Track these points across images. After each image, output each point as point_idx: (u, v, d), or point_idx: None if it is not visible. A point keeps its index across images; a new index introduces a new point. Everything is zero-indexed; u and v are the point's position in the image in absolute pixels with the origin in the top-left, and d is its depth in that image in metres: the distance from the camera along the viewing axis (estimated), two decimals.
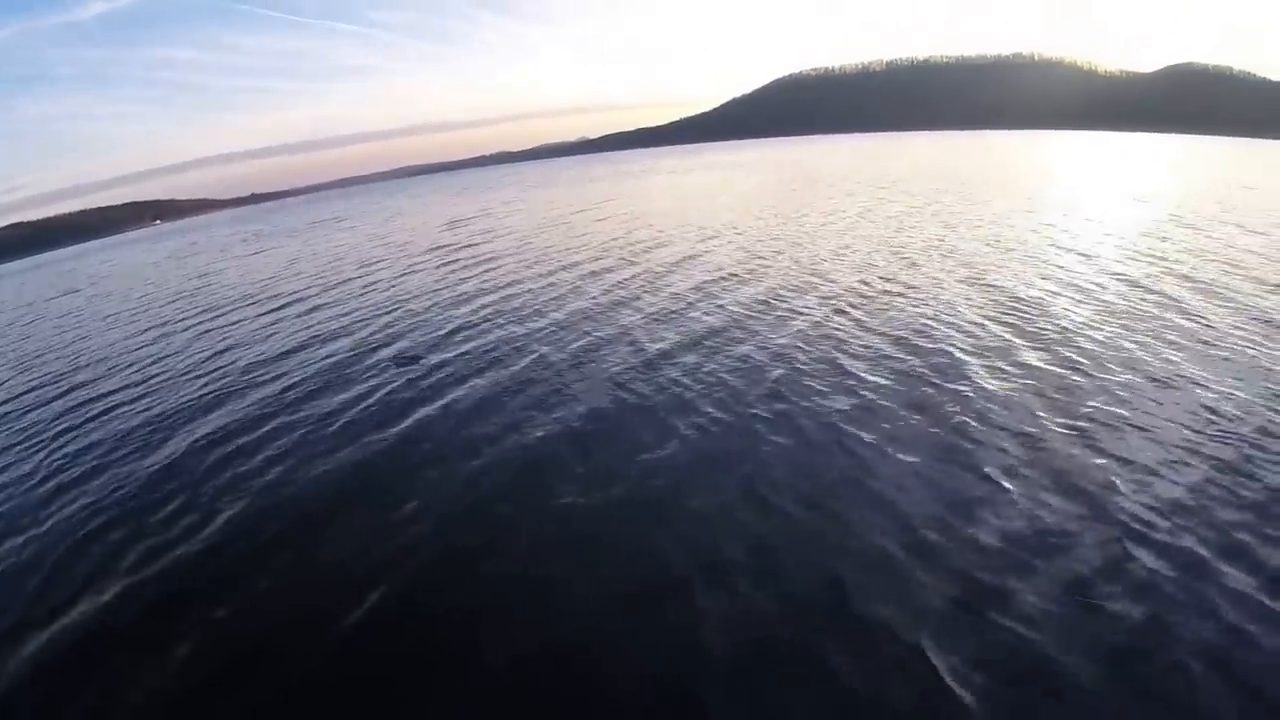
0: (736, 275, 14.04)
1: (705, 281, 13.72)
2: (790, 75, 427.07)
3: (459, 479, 6.54)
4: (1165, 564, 4.48)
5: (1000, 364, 8.01)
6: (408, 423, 7.99)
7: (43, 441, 9.16)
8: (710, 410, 7.45)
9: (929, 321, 9.79)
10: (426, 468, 6.84)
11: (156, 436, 8.63)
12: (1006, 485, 5.51)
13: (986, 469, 5.77)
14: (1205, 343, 8.34)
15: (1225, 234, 15.45)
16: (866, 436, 6.52)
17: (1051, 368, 7.78)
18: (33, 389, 12.32)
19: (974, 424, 6.58)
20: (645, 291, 13.40)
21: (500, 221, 31.23)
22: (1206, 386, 7.08)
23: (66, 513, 6.88)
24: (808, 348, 9.10)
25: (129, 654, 4.70)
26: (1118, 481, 5.44)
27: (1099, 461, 5.77)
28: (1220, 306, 9.77)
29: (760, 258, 15.79)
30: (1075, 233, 16.24)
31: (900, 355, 8.54)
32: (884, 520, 5.21)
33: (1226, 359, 7.80)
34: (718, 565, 4.88)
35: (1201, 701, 3.51)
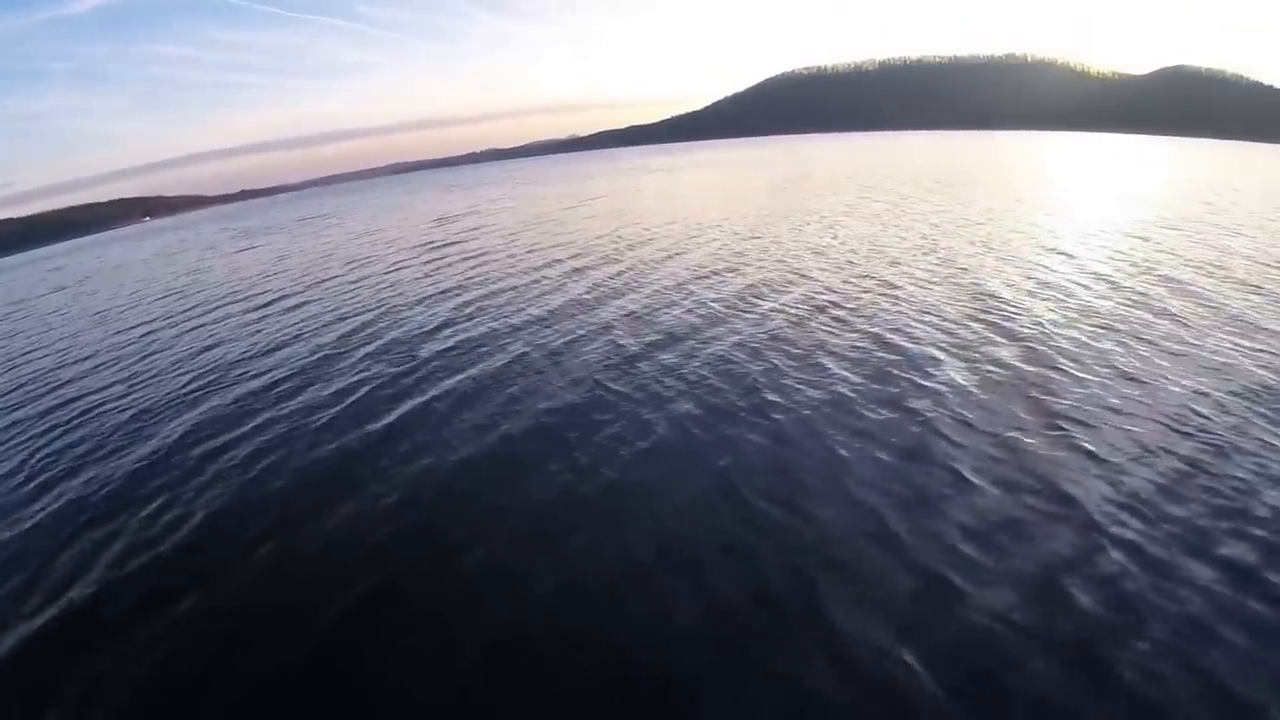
0: (718, 273, 14.13)
1: (687, 279, 13.80)
2: (783, 74, 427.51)
3: (439, 473, 6.61)
4: (1132, 560, 4.55)
5: (977, 362, 8.12)
6: (389, 418, 8.03)
7: (28, 438, 9.16)
8: (687, 406, 7.53)
9: (907, 319, 9.90)
10: (407, 462, 6.89)
11: (142, 432, 8.65)
12: (976, 481, 5.59)
13: (957, 465, 5.85)
14: (1183, 342, 8.47)
15: (1209, 235, 15.67)
16: (840, 432, 6.61)
17: (1028, 366, 7.88)
18: (19, 386, 12.29)
19: (948, 421, 6.67)
20: (628, 289, 13.47)
21: (489, 218, 31.22)
22: (1181, 385, 7.20)
23: (52, 508, 6.90)
24: (786, 345, 9.19)
25: (115, 646, 4.73)
26: (1087, 478, 5.53)
27: (1070, 458, 5.85)
28: (1199, 306, 9.95)
29: (743, 255, 15.88)
30: (1060, 233, 16.39)
31: (878, 352, 8.64)
32: (854, 515, 5.29)
33: (1203, 358, 7.92)
34: (688, 558, 4.97)
35: (1162, 694, 3.57)
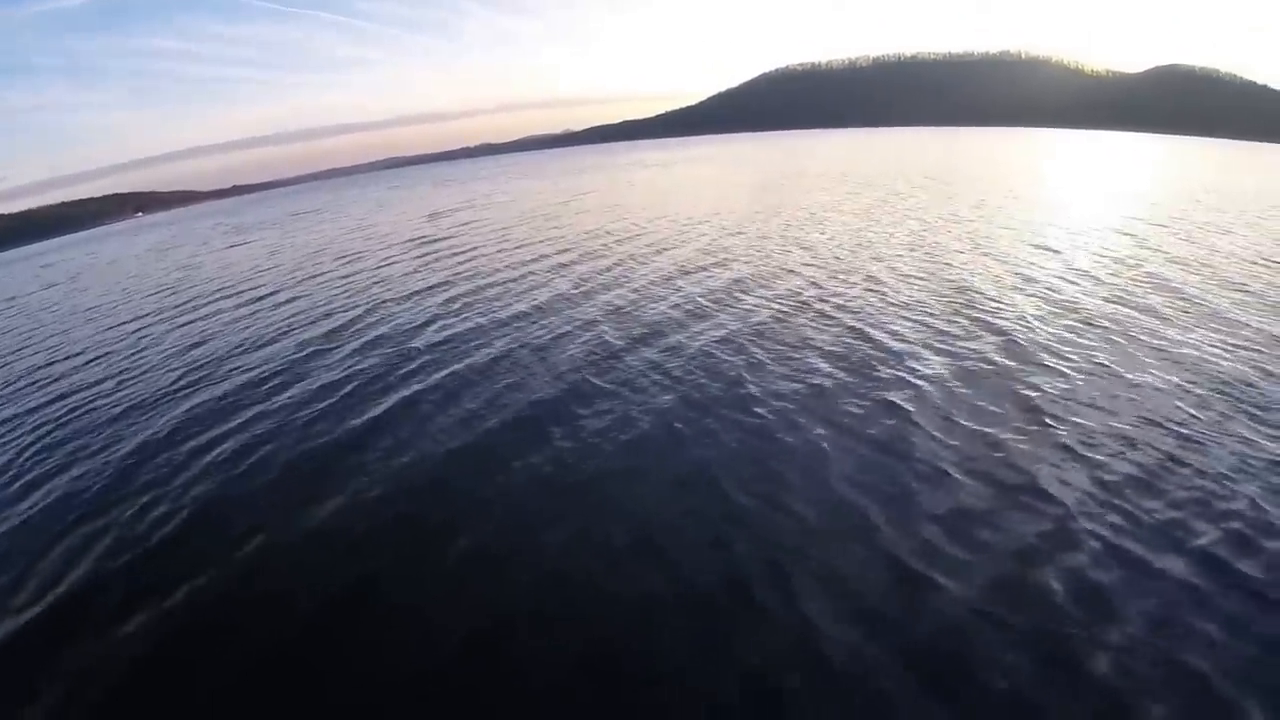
0: (705, 268, 14.22)
1: (675, 274, 13.90)
2: (778, 69, 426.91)
3: (424, 466, 6.69)
4: (1107, 552, 4.63)
5: (958, 356, 8.22)
6: (375, 412, 8.10)
7: (18, 435, 9.19)
8: (669, 399, 7.63)
9: (891, 314, 10.02)
10: (392, 455, 6.96)
11: (131, 428, 8.69)
12: (953, 474, 5.68)
13: (935, 458, 5.95)
14: (1165, 339, 8.58)
15: (1192, 233, 15.83)
16: (820, 425, 6.70)
17: (1010, 361, 7.99)
18: (9, 383, 12.28)
19: (928, 414, 6.77)
20: (616, 284, 13.55)
21: (481, 213, 31.20)
22: (1162, 380, 7.31)
23: (41, 504, 6.96)
24: (769, 339, 9.30)
25: (104, 637, 4.81)
26: (1064, 472, 5.62)
27: (1047, 452, 5.94)
28: (1183, 303, 10.12)
29: (730, 251, 15.97)
30: (1047, 229, 16.54)
31: (861, 346, 8.75)
32: (832, 507, 5.39)
33: (1184, 355, 8.03)
34: (668, 548, 5.06)
35: (1133, 685, 3.63)
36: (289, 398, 8.95)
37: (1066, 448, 5.98)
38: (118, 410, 9.49)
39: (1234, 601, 4.17)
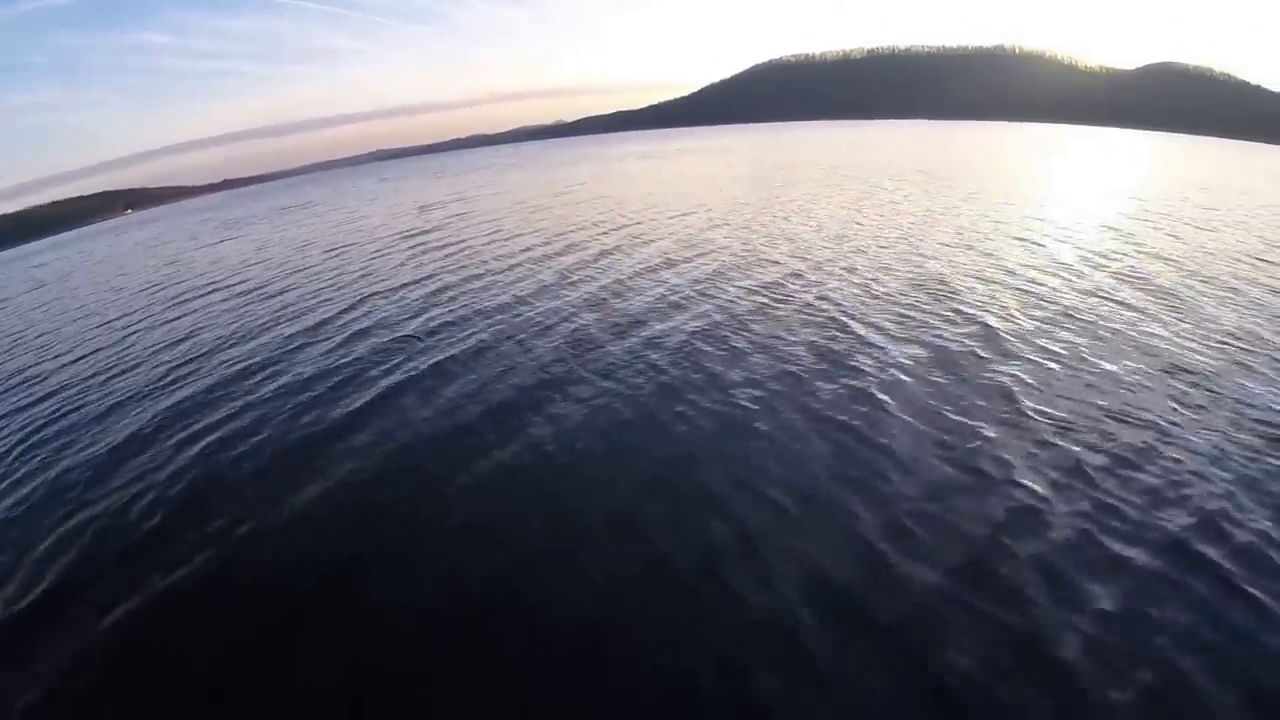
0: (690, 259, 14.31)
1: (659, 265, 14.02)
2: (771, 60, 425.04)
3: (407, 453, 6.84)
4: (1076, 539, 4.73)
5: (935, 346, 8.36)
6: (361, 402, 8.20)
7: (7, 431, 9.24)
8: (649, 386, 7.78)
9: (871, 305, 10.14)
10: (377, 443, 7.09)
11: (120, 422, 8.76)
12: (925, 460, 5.81)
13: (907, 445, 6.08)
14: (1142, 331, 8.69)
15: (1177, 229, 15.92)
16: (797, 413, 6.84)
17: (988, 353, 8.07)
18: None
19: (903, 402, 6.89)
20: (601, 274, 13.68)
21: (471, 205, 31.15)
22: (1138, 372, 7.42)
23: (30, 497, 7.05)
24: (749, 328, 9.43)
25: (93, 625, 4.89)
26: (1037, 461, 5.71)
27: (1021, 443, 6.01)
28: (1164, 298, 10.20)
29: (714, 243, 16.04)
30: (1033, 223, 16.57)
31: (840, 336, 8.88)
32: (806, 491, 5.50)
33: (1161, 348, 8.12)
34: (640, 528, 5.22)
35: (1095, 671, 3.70)
36: (276, 389, 9.02)
37: (1041, 436, 6.08)
38: (106, 405, 9.53)
39: (1203, 588, 4.25)
